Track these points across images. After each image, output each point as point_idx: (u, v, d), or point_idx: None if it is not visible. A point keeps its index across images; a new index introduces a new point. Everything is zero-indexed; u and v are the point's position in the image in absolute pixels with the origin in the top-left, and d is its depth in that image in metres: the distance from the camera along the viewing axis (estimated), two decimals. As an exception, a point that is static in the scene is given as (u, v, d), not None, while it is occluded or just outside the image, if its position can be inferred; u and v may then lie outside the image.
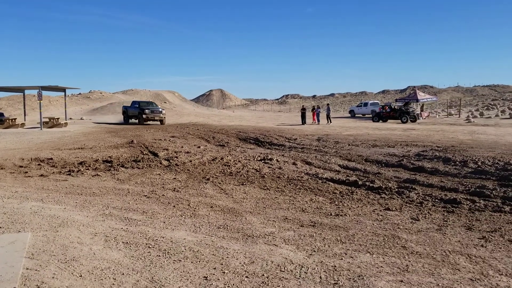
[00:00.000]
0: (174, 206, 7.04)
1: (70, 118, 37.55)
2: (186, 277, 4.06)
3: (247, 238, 5.32)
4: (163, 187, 8.73)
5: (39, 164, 11.89)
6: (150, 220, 6.14)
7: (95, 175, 10.17)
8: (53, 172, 10.68)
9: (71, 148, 15.74)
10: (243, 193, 8.15)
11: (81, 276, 4.03)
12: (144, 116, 30.48)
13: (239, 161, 11.99)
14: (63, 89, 31.47)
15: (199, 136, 21.18)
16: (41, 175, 10.24)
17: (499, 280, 4.00)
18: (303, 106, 37.04)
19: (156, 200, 7.49)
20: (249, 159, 12.44)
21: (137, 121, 31.64)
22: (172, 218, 6.31)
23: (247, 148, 16.28)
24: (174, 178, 9.73)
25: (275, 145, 16.86)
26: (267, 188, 8.63)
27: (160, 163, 11.80)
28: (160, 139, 18.60)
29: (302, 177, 9.80)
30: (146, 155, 13.64)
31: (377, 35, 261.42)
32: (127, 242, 5.08)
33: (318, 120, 32.16)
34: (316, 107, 34.33)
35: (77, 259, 4.46)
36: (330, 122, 32.07)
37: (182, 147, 16.07)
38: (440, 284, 3.91)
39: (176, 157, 12.77)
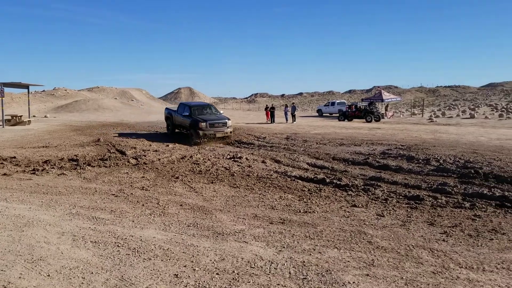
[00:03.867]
0: (143, 205, 6.99)
1: (34, 116, 36.40)
2: (157, 275, 4.07)
3: (217, 236, 5.36)
4: (131, 185, 8.64)
5: (1, 163, 11.51)
6: (118, 219, 6.08)
7: (60, 174, 9.94)
8: (17, 171, 10.37)
9: (35, 146, 15.30)
10: (213, 191, 8.18)
11: (49, 275, 3.97)
12: (200, 132, 17.61)
13: (208, 160, 11.98)
14: (26, 86, 30.44)
15: (167, 134, 21.00)
16: (4, 174, 9.92)
17: (460, 273, 4.20)
18: (272, 104, 37.31)
19: (125, 199, 7.41)
20: (218, 158, 12.44)
21: (187, 134, 19.16)
22: (141, 216, 6.27)
23: (216, 146, 16.28)
24: (143, 177, 9.64)
25: (244, 144, 16.92)
26: (237, 186, 8.68)
27: (128, 161, 11.65)
28: (128, 137, 18.32)
29: (271, 175, 9.90)
30: (113, 153, 13.42)
31: (345, 37, 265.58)
32: (95, 241, 5.03)
33: (287, 119, 32.45)
34: (285, 106, 34.62)
35: (44, 259, 4.38)
36: (295, 120, 32.44)
37: (150, 145, 15.90)
38: (404, 277, 4.07)
39: (144, 156, 12.63)
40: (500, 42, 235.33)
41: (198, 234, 5.42)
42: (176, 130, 20.96)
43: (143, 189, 8.33)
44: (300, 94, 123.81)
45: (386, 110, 40.13)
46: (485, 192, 7.80)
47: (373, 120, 33.74)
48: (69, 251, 4.66)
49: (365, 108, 35.67)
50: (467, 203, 7.14)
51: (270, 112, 32.14)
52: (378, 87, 73.41)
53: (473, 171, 9.87)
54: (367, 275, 4.11)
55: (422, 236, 5.43)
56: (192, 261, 4.44)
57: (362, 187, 8.48)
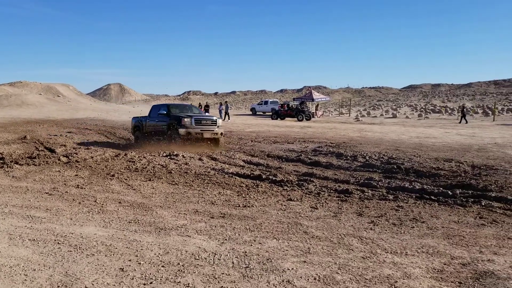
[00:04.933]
0: (79, 203, 6.87)
1: None
2: (102, 269, 4.11)
3: (159, 231, 5.45)
4: (65, 184, 8.41)
5: None
6: (55, 217, 5.96)
7: (-15, 173, 9.40)
8: None
9: (-49, 144, 14.23)
10: (152, 189, 8.19)
11: (-12, 274, 3.88)
12: (182, 130, 14.41)
13: (144, 157, 11.87)
14: None
15: (98, 132, 20.39)
16: None
17: (386, 257, 4.65)
18: (206, 103, 37.40)
19: (59, 197, 7.23)
20: (154, 155, 12.37)
21: (165, 139, 15.24)
22: (79, 214, 6.19)
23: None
24: (76, 175, 9.39)
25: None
26: (176, 183, 8.75)
27: (59, 159, 11.24)
28: (56, 135, 17.58)
29: (209, 172, 10.06)
30: (42, 151, 12.85)
31: (276, 37, 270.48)
32: (34, 239, 4.93)
33: (221, 117, 32.71)
34: (219, 104, 34.87)
35: (-20, 259, 4.25)
36: (229, 119, 32.82)
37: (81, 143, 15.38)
38: (337, 263, 4.44)
39: (76, 154, 12.23)
40: (417, 46, 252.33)
41: (140, 230, 5.48)
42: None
43: (78, 187, 8.14)
44: (234, 92, 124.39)
45: (316, 109, 41.65)
46: (406, 185, 8.52)
47: (304, 119, 34.95)
48: (7, 249, 4.54)
49: (296, 107, 36.84)
50: (391, 195, 7.78)
51: (205, 110, 32.20)
52: (309, 87, 75.87)
53: (395, 167, 10.71)
54: (304, 261, 4.44)
55: (352, 225, 5.89)
56: (137, 255, 4.51)
57: (296, 182, 8.91)
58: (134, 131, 17.54)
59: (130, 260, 4.37)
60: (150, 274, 4.03)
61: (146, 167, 10.50)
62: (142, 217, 6.13)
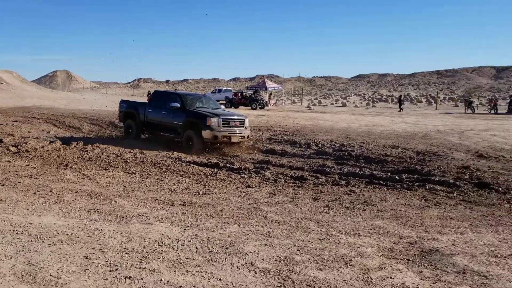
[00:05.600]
0: (35, 193, 6.72)
1: None
2: (66, 258, 4.12)
3: (120, 219, 5.48)
4: (17, 174, 8.15)
5: None
6: (11, 208, 5.82)
7: None
8: None
9: None
10: (108, 178, 8.12)
11: None
12: (208, 133, 11.74)
13: (97, 146, 11.65)
14: None
15: (46, 121, 19.67)
16: None
17: (340, 238, 4.96)
18: (149, 91, 36.88)
19: (13, 188, 7.02)
20: (108, 144, 12.16)
21: (175, 138, 13.24)
22: (36, 204, 6.07)
23: (103, 133, 15.77)
24: (28, 165, 9.10)
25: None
26: (133, 172, 8.71)
27: (7, 149, 10.81)
28: (2, 124, 16.76)
29: (165, 160, 10.07)
30: (-13, 141, 12.27)
31: (228, 25, 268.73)
32: (-10, 231, 4.82)
33: None
34: None
35: None
36: None
37: (30, 132, 14.82)
38: (296, 244, 4.69)
39: (25, 143, 11.79)
40: (366, 37, 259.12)
41: (100, 219, 5.48)
42: (144, 135, 14.36)
43: (31, 177, 7.93)
44: (186, 80, 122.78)
45: (269, 98, 42.06)
46: (357, 171, 8.96)
47: (258, 108, 35.23)
48: (-37, 241, 4.43)
49: (250, 96, 37.04)
50: (343, 181, 8.17)
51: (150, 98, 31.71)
52: (262, 76, 76.27)
53: (346, 154, 11.18)
54: (265, 244, 4.66)
55: (308, 210, 6.18)
56: (100, 244, 4.55)
57: (253, 170, 9.12)
58: (125, 119, 14.51)
59: (93, 248, 4.40)
60: (115, 261, 4.10)
61: (100, 156, 10.34)
62: (101, 206, 6.11)
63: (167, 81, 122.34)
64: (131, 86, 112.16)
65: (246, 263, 4.12)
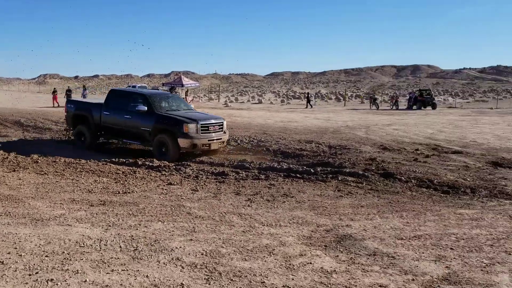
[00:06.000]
0: None
1: None
2: (-22, 265, 3.87)
3: (36, 222, 5.21)
4: None
5: None
6: None
7: None
8: None
9: None
10: (18, 180, 7.62)
11: None
12: (185, 141, 10.26)
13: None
14: None
15: None
16: None
17: (263, 230, 5.17)
18: (68, 87, 35.01)
19: None
20: (55, 155, 11.31)
21: (146, 146, 11.36)
22: None
23: (8, 132, 14.65)
24: None
25: (40, 129, 15.67)
26: (45, 173, 8.25)
27: None
28: None
29: (79, 160, 9.64)
30: None
31: (141, 21, 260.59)
32: None
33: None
34: (83, 89, 33.10)
35: None
36: None
37: None
38: (221, 238, 4.82)
39: None
40: (280, 35, 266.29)
41: (14, 222, 5.17)
42: (100, 140, 12.43)
43: None
44: (96, 76, 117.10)
45: (186, 95, 41.57)
46: (275, 165, 9.31)
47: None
48: None
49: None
50: (263, 175, 8.46)
51: (66, 96, 30.13)
52: (178, 72, 75.10)
53: (265, 149, 11.53)
54: (191, 239, 4.73)
55: (231, 204, 6.35)
56: (16, 248, 4.31)
57: (174, 167, 9.09)
58: (75, 123, 12.34)
59: (9, 253, 4.16)
60: (34, 264, 3.92)
61: (6, 158, 9.64)
62: (14, 209, 5.75)
63: (76, 77, 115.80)
64: (36, 82, 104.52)
65: (172, 259, 4.16)
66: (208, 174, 8.55)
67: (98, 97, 32.74)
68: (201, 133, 10.40)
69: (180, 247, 4.49)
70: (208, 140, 10.53)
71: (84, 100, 15.05)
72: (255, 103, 46.25)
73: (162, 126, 10.59)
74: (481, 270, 3.96)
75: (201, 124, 10.44)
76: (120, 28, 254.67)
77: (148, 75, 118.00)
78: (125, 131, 11.30)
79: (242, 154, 11.12)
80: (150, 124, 10.67)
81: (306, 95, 39.14)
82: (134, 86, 46.71)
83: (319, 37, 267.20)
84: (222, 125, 11.21)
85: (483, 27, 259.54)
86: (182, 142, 10.16)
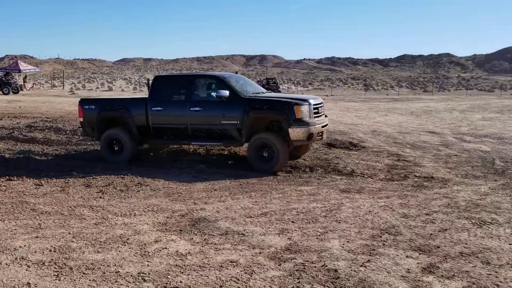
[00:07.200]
0: None
1: None
2: None
3: None
4: None
5: None
6: None
7: None
8: None
9: None
10: None
11: None
12: (300, 131, 7.46)
13: None
14: None
15: None
16: None
17: (117, 220, 5.09)
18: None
19: None
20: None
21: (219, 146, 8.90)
22: None
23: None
24: None
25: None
26: None
27: None
28: None
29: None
30: None
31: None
32: None
33: None
34: None
35: None
36: None
37: None
38: (71, 232, 4.63)
39: None
40: (130, 23, 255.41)
41: None
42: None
43: None
44: None
45: (24, 81, 37.58)
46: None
47: (11, 92, 31.07)
48: None
49: (0, 78, 32.27)
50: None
51: None
52: (14, 56, 66.91)
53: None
54: (37, 237, 4.45)
55: (81, 197, 6.08)
56: None
57: (13, 161, 8.27)
58: (101, 128, 8.85)
59: None
60: None
61: None
62: None
63: None
64: None
65: (16, 259, 3.89)
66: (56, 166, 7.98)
67: None
68: (314, 117, 7.94)
69: (24, 245, 4.21)
70: (322, 127, 8.09)
71: (113, 97, 11.56)
72: (105, 91, 43.95)
73: (260, 114, 7.93)
74: (317, 238, 4.55)
75: (313, 106, 7.91)
76: None
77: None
78: (194, 129, 8.34)
79: (89, 145, 10.59)
80: (238, 115, 7.90)
81: (147, 82, 38.61)
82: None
83: (172, 24, 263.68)
84: (322, 106, 8.56)
85: (320, 21, 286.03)
86: (296, 133, 7.56)
